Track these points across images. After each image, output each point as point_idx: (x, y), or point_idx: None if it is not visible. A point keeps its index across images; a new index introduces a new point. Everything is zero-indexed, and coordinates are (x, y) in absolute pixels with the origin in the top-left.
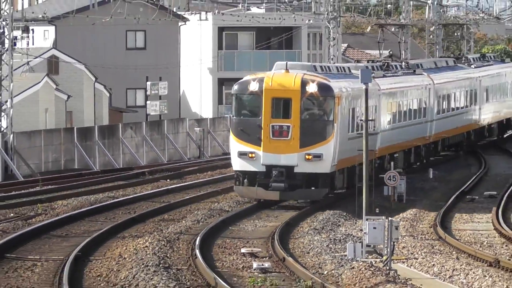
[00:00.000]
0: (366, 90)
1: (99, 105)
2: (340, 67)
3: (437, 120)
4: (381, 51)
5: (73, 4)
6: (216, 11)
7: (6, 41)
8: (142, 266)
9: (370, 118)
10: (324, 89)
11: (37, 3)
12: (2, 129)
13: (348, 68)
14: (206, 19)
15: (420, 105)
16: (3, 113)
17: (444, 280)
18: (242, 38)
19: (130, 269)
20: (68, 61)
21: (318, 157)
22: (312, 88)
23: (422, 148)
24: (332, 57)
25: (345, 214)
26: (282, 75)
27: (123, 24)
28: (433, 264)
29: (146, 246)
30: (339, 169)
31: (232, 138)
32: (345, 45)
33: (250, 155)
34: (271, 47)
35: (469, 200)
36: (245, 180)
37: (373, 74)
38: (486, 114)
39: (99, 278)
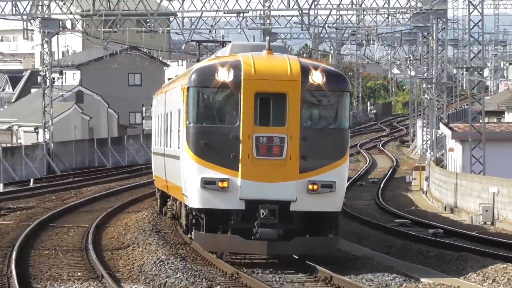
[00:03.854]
0: None
1: (111, 123)
2: None
3: None
4: None
5: (92, 55)
6: (189, 60)
7: (47, 81)
8: (141, 231)
9: None
10: (337, 79)
11: (68, 54)
12: (46, 140)
13: None
14: (182, 65)
15: None
16: (46, 130)
17: None
18: None
19: (133, 232)
20: (90, 94)
21: (328, 187)
22: (317, 77)
23: None
24: None
25: None
26: (266, 59)
27: (126, 69)
28: None
29: (144, 217)
30: None
31: (189, 157)
32: None
33: (220, 184)
34: None
35: (359, 185)
36: (210, 224)
37: None
38: None
39: (112, 239)
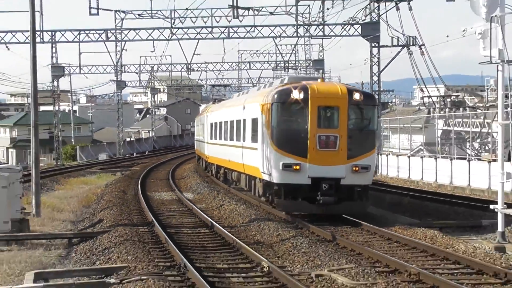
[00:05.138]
0: None
1: (178, 129)
2: None
3: None
4: None
5: (171, 101)
6: (211, 102)
7: (153, 112)
8: (190, 172)
9: None
10: (370, 98)
11: (161, 102)
12: (152, 135)
13: None
14: (207, 104)
15: None
16: (152, 131)
17: None
18: None
19: (187, 172)
20: (169, 117)
21: (365, 168)
22: (357, 96)
23: None
24: None
25: None
26: (322, 84)
27: (184, 107)
28: None
29: (191, 166)
30: None
31: (273, 150)
32: None
33: (295, 167)
34: None
35: None
36: (287, 193)
37: None
38: None
39: (178, 175)
